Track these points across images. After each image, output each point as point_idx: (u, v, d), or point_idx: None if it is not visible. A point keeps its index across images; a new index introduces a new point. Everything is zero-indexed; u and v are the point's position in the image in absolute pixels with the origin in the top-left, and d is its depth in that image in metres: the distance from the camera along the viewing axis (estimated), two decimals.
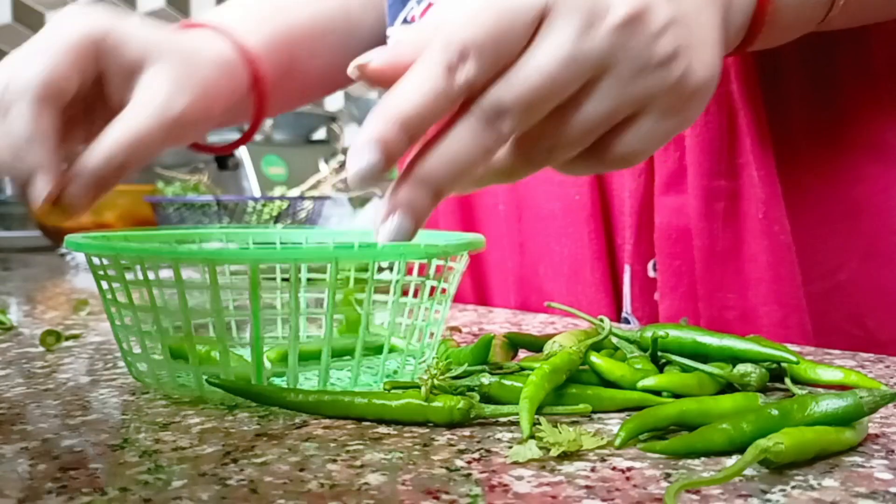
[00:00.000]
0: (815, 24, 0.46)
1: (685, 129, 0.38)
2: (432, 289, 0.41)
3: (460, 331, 0.56)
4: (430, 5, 0.73)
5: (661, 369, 0.39)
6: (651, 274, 0.63)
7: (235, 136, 0.78)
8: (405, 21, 0.76)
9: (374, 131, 0.31)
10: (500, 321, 0.61)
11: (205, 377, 0.37)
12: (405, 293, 0.41)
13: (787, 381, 0.38)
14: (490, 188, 0.72)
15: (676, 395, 0.35)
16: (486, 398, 0.36)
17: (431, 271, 0.41)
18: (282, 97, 0.73)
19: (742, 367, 0.38)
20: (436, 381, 0.34)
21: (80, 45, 0.49)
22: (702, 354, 0.39)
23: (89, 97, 0.52)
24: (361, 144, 0.31)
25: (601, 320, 0.40)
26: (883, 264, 0.56)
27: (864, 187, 0.56)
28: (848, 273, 0.57)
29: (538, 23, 0.33)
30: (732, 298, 0.58)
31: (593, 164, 0.36)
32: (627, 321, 0.63)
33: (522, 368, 0.38)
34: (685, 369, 0.38)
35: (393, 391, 0.35)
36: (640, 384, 0.36)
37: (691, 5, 0.36)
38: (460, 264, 0.42)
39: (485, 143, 0.32)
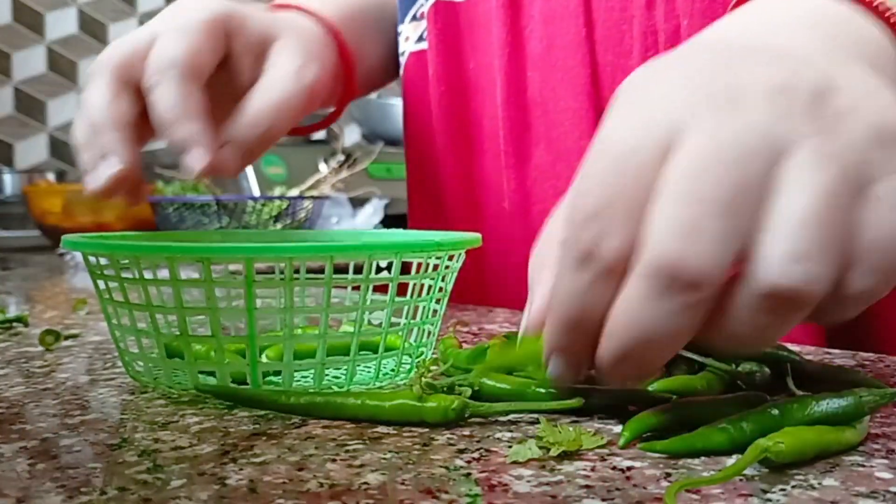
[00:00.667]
0: None
1: None
2: (429, 287, 0.41)
3: (467, 324, 0.55)
4: (436, 2, 0.73)
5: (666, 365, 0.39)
6: None
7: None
8: (414, 18, 0.77)
9: (548, 341, 0.29)
10: (499, 321, 0.61)
11: (199, 380, 0.37)
12: (403, 292, 0.41)
13: (789, 380, 0.38)
14: (495, 186, 0.72)
15: (680, 395, 0.35)
16: (481, 397, 0.36)
17: (429, 269, 0.41)
18: (359, 73, 0.74)
19: (746, 366, 0.38)
20: (425, 380, 0.34)
21: (212, 26, 0.51)
22: (705, 353, 0.38)
23: (213, 78, 0.53)
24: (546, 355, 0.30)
25: None
26: None
27: None
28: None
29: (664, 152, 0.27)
30: None
31: (858, 290, 0.26)
32: None
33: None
34: (691, 367, 0.38)
35: (387, 392, 0.35)
36: (650, 388, 0.35)
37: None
38: (457, 262, 0.42)
39: (661, 302, 0.26)
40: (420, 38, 0.76)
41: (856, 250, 0.26)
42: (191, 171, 0.48)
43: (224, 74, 0.54)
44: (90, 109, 0.50)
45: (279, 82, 0.51)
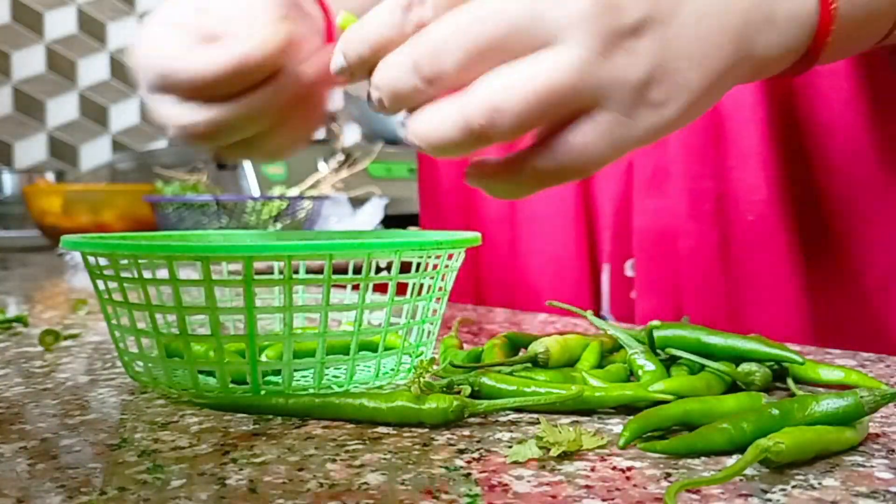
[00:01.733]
0: (875, 42, 0.41)
1: (639, 146, 0.34)
2: (429, 286, 0.41)
3: (472, 322, 0.55)
4: None
5: (665, 365, 0.39)
6: (628, 273, 0.64)
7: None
8: None
9: (341, 44, 0.36)
10: (499, 321, 0.61)
11: (198, 379, 0.37)
12: (403, 292, 0.41)
13: (790, 381, 0.38)
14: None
15: (680, 395, 0.35)
16: (479, 395, 0.36)
17: (429, 268, 0.41)
18: None
19: (746, 367, 0.38)
20: (424, 380, 0.34)
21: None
22: (706, 354, 0.39)
23: None
24: (335, 51, 0.36)
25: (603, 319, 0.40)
26: None
27: (879, 199, 0.55)
28: (872, 280, 0.56)
29: None
30: (719, 297, 0.59)
31: (537, 168, 0.34)
32: (605, 319, 0.64)
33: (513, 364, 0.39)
34: (691, 368, 0.38)
35: (385, 393, 0.35)
36: (651, 389, 0.35)
37: (687, 14, 0.33)
38: (456, 262, 0.42)
39: (411, 78, 0.33)
40: None
41: (547, 139, 0.33)
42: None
43: None
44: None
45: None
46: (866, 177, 0.55)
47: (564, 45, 0.31)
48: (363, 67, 0.35)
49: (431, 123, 0.34)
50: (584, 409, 0.35)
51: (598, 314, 0.65)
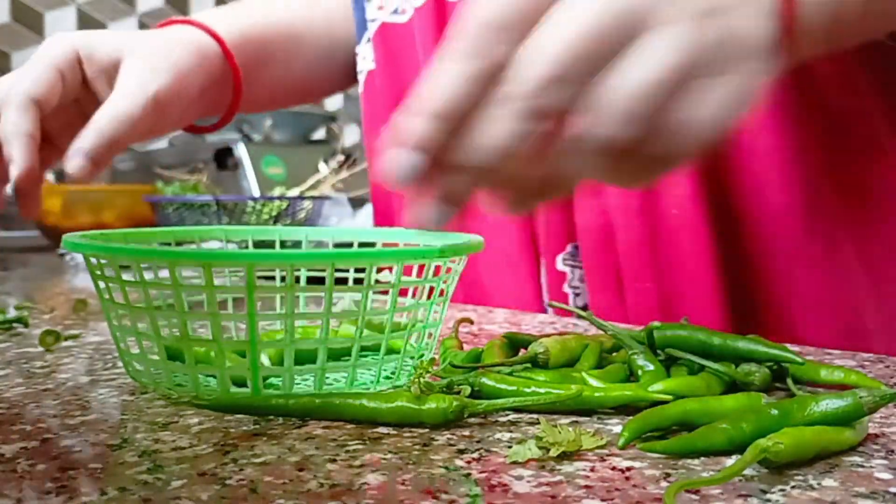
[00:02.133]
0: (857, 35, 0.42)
1: (751, 97, 0.33)
2: (430, 289, 0.41)
3: (471, 322, 0.56)
4: (382, 24, 0.75)
5: (664, 365, 0.39)
6: (559, 267, 0.67)
7: (234, 134, 0.80)
8: (368, 41, 0.78)
9: (411, 128, 0.32)
10: (499, 321, 0.61)
11: (199, 382, 0.37)
12: (404, 292, 0.41)
13: (789, 381, 0.38)
14: None
15: (680, 395, 0.35)
16: (479, 395, 0.36)
17: (430, 272, 0.41)
18: (261, 87, 0.77)
19: (745, 367, 0.38)
20: (423, 380, 0.34)
21: (61, 58, 0.60)
22: (706, 354, 0.39)
23: (82, 100, 0.62)
24: (402, 143, 0.33)
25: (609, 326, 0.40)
26: (809, 268, 0.58)
27: (781, 193, 0.58)
28: (777, 272, 0.59)
29: None
30: (652, 289, 0.62)
31: (662, 154, 0.33)
32: (547, 311, 0.68)
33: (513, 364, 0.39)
34: (691, 368, 0.38)
35: (385, 393, 0.35)
36: (651, 389, 0.35)
37: None
38: (458, 265, 0.42)
39: (519, 124, 0.31)
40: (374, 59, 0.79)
41: (667, 123, 0.32)
42: (12, 177, 0.56)
43: (90, 96, 0.62)
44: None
45: (120, 98, 0.58)
46: (763, 170, 0.58)
47: (662, 28, 0.31)
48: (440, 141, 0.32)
49: (575, 158, 0.32)
50: (583, 409, 0.35)
51: (542, 308, 0.68)
